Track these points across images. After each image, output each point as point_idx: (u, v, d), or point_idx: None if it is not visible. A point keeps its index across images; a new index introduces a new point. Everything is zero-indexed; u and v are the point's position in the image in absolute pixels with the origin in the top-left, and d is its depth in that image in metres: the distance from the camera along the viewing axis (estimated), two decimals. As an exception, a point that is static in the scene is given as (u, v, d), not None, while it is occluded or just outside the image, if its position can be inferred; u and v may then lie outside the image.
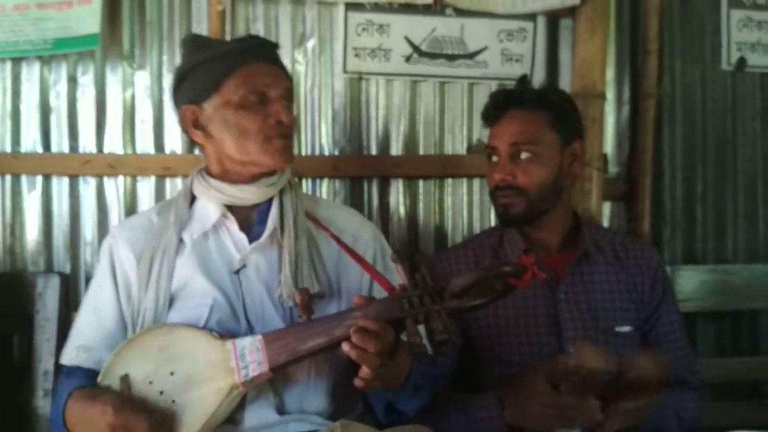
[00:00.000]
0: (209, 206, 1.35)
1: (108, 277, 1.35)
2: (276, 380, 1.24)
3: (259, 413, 1.23)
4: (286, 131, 1.33)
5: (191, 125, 1.36)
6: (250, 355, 1.18)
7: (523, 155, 1.51)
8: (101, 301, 1.35)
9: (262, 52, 1.37)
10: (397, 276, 1.20)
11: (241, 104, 1.31)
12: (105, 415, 1.13)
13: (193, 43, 1.42)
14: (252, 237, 1.34)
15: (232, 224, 1.34)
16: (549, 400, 1.28)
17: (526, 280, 1.13)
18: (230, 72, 1.32)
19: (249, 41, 1.42)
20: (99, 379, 1.25)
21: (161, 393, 1.20)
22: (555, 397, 1.27)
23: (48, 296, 1.76)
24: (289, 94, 1.37)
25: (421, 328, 1.14)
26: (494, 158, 1.56)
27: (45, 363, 1.73)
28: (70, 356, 1.34)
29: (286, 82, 1.37)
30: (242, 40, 1.46)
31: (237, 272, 1.31)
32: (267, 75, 1.34)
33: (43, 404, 1.71)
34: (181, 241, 1.34)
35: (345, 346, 1.11)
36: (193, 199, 1.39)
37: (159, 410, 1.18)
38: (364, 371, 1.12)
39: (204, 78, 1.33)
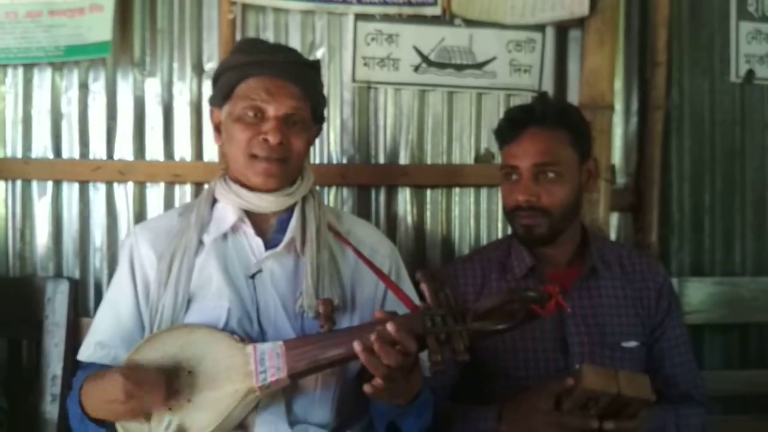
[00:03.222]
0: (228, 209, 1.37)
1: (127, 275, 1.36)
2: (288, 390, 1.24)
3: (269, 422, 1.23)
4: (273, 152, 1.30)
5: (215, 126, 1.42)
6: (270, 360, 1.18)
7: (549, 175, 1.49)
8: (120, 300, 1.36)
9: (277, 66, 1.34)
10: (412, 294, 1.19)
11: (239, 117, 1.33)
12: (116, 384, 1.13)
13: (239, 45, 1.45)
14: (270, 244, 1.34)
15: (249, 228, 1.35)
16: (551, 419, 1.27)
17: (549, 309, 1.13)
18: (240, 81, 1.35)
19: (269, 54, 1.37)
20: None
21: (178, 391, 1.20)
22: (557, 416, 1.27)
23: (57, 301, 1.78)
24: (296, 116, 1.33)
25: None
26: (514, 177, 1.53)
27: (54, 368, 1.74)
28: (87, 352, 1.35)
29: (293, 102, 1.32)
30: (265, 51, 1.39)
31: (252, 277, 1.32)
32: (270, 92, 1.32)
33: (51, 409, 1.72)
34: (201, 242, 1.35)
35: (357, 347, 1.10)
36: (214, 202, 1.40)
37: (169, 369, 1.19)
38: (377, 381, 1.12)
39: (223, 84, 1.37)
